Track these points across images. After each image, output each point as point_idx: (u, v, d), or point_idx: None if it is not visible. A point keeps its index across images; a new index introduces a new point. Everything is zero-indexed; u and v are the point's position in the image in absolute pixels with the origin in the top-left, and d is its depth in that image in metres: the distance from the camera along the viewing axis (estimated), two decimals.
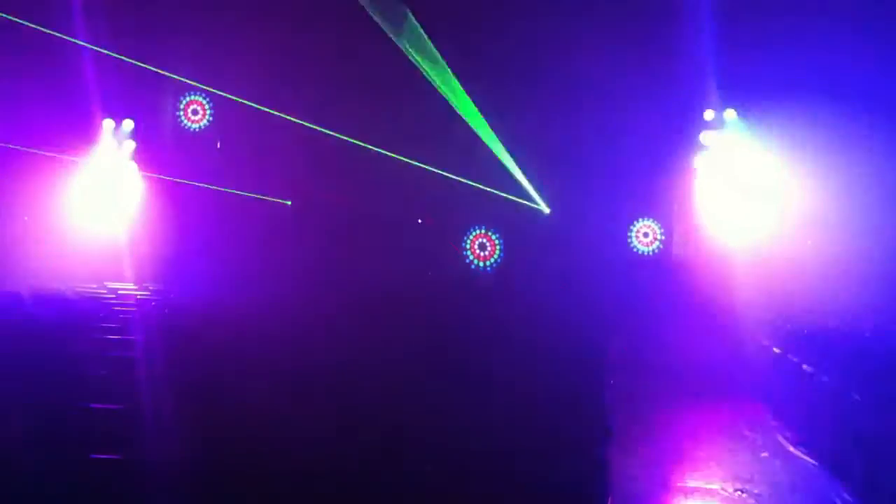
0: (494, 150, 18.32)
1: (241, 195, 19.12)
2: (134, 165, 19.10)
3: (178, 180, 19.15)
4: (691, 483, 8.73)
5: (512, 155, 18.34)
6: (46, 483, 5.56)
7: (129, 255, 18.56)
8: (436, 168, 18.48)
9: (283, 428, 6.16)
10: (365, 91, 18.25)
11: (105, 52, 17.10)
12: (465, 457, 5.91)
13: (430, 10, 17.70)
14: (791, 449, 10.28)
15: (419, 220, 19.27)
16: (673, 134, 17.50)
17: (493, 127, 18.16)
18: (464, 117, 18.19)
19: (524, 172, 18.49)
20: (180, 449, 5.95)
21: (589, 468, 5.97)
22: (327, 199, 19.10)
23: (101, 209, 18.83)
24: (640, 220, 18.48)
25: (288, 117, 18.52)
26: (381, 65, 17.98)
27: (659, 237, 18.42)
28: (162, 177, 19.17)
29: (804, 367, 10.62)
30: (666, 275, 17.33)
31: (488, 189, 18.58)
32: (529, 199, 18.61)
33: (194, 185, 19.06)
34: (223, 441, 6.05)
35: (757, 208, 16.80)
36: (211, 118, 19.63)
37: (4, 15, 15.85)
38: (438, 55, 17.89)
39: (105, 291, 15.76)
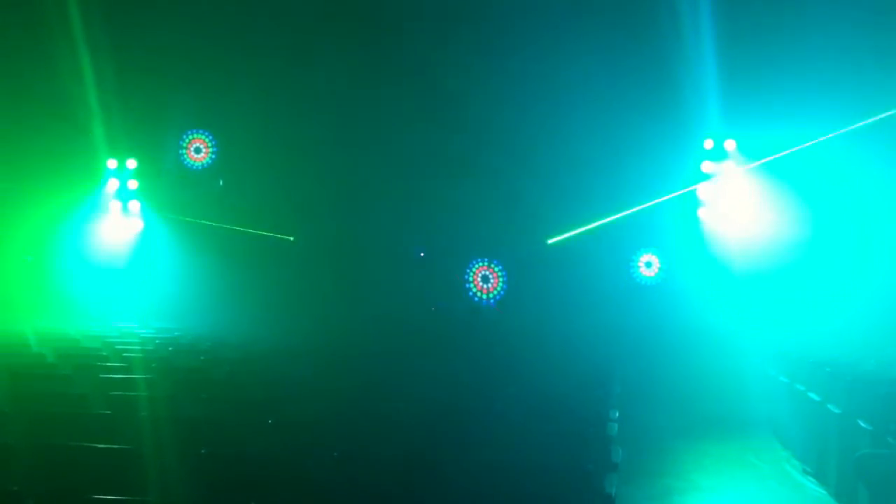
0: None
1: (244, 232, 19.16)
2: (137, 203, 19.13)
3: (181, 217, 19.25)
4: None
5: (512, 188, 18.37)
6: None
7: (132, 293, 18.62)
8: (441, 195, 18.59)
9: (287, 468, 6.14)
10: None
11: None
12: (468, 491, 5.88)
13: (434, 45, 17.79)
14: (798, 478, 10.24)
15: (421, 254, 19.27)
16: (675, 163, 17.50)
17: (488, 157, 18.24)
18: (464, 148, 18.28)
19: (527, 203, 18.49)
20: (184, 490, 5.93)
21: (595, 502, 5.94)
22: (331, 234, 19.14)
23: (104, 247, 18.87)
24: (644, 250, 18.43)
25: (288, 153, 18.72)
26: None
27: (662, 267, 18.36)
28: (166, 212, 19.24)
29: (811, 395, 10.60)
30: (670, 304, 17.26)
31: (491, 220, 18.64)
32: (529, 229, 18.57)
33: (197, 223, 19.13)
34: (227, 482, 6.02)
35: (761, 237, 16.76)
36: (214, 156, 19.69)
37: None
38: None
39: (109, 330, 15.76)
